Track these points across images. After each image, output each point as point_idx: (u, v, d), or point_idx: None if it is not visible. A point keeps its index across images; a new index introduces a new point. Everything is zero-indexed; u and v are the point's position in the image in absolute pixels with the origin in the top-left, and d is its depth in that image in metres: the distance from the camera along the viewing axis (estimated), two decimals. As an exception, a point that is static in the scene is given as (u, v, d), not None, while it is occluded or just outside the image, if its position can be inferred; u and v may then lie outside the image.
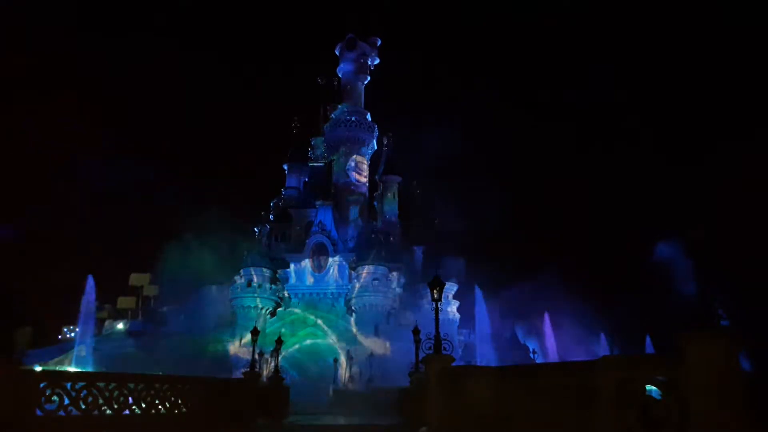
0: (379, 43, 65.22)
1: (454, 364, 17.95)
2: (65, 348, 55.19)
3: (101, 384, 16.14)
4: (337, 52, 64.74)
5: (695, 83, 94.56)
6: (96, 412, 15.70)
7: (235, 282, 55.00)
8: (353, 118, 61.60)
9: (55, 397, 14.94)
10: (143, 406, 17.13)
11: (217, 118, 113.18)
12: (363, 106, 64.14)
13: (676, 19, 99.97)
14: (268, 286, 54.66)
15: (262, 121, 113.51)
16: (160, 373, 21.23)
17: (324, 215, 56.58)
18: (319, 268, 54.70)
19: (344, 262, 54.37)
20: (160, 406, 17.67)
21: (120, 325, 61.83)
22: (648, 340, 55.43)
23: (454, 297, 56.02)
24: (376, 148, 64.18)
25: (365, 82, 65.08)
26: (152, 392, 17.51)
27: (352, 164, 61.05)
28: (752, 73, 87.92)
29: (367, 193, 62.95)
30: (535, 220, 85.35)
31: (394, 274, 53.63)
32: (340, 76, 65.37)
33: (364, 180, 62.18)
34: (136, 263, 69.11)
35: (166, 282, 65.67)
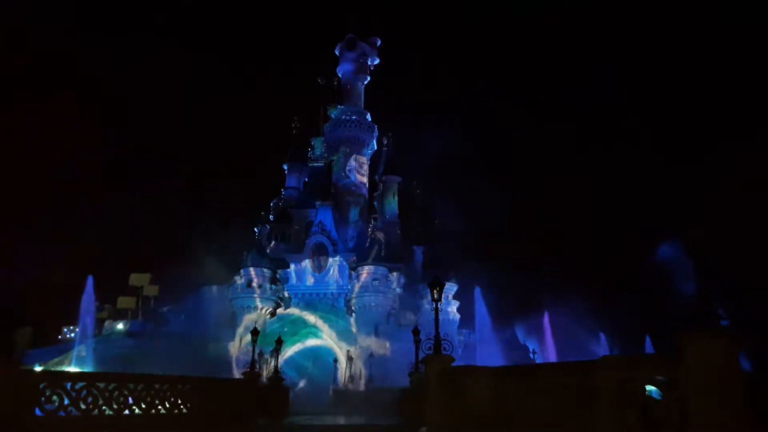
0: (379, 43, 65.23)
1: (454, 364, 17.96)
2: (65, 348, 55.20)
3: (101, 384, 16.14)
4: (337, 52, 64.75)
5: (695, 83, 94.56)
6: (96, 413, 15.70)
7: (235, 282, 54.98)
8: (353, 118, 61.61)
9: (55, 398, 14.94)
10: (143, 406, 17.13)
11: (217, 118, 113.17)
12: (363, 106, 64.14)
13: (676, 19, 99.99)
14: (268, 286, 54.65)
15: (262, 121, 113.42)
16: (160, 374, 21.18)
17: (324, 215, 56.58)
18: (319, 268, 54.69)
19: (344, 263, 54.37)
20: (160, 407, 17.68)
21: (120, 326, 61.75)
22: (648, 340, 55.44)
23: (454, 297, 56.02)
24: (376, 148, 64.18)
25: (365, 82, 65.09)
26: (152, 392, 17.51)
27: (352, 164, 61.05)
28: (752, 73, 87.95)
29: (367, 194, 62.93)
30: (535, 220, 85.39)
31: (394, 274, 53.63)
32: (340, 76, 65.37)
33: (364, 180, 62.19)
34: (136, 263, 69.13)
35: (166, 282, 65.75)
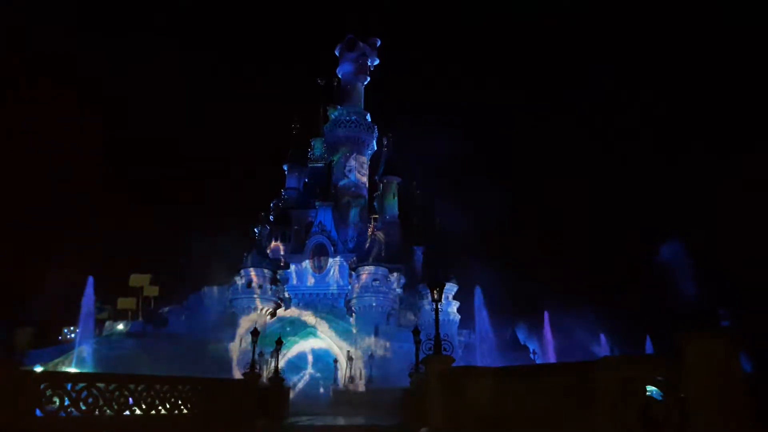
0: (378, 43, 65.22)
1: (454, 364, 17.96)
2: (65, 349, 55.23)
3: (101, 385, 16.14)
4: (336, 53, 64.76)
5: (695, 83, 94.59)
6: (96, 413, 15.70)
7: (235, 283, 54.96)
8: (353, 119, 61.61)
9: (55, 398, 14.94)
10: (143, 407, 17.14)
11: (217, 118, 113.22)
12: (363, 106, 64.15)
13: (676, 19, 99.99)
14: (268, 286, 54.64)
15: (262, 121, 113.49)
16: (161, 374, 21.18)
17: (324, 216, 56.58)
18: (319, 268, 54.70)
19: (344, 263, 54.38)
20: (160, 407, 17.68)
21: (120, 326, 61.75)
22: (648, 340, 55.47)
23: (455, 297, 56.03)
24: (376, 148, 64.19)
25: (365, 83, 65.10)
26: (152, 393, 17.52)
27: (352, 165, 61.05)
28: (752, 72, 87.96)
29: (367, 194, 62.92)
30: (536, 220, 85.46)
31: (394, 274, 53.62)
32: (339, 76, 65.37)
33: (364, 180, 62.19)
34: (136, 264, 69.16)
35: (167, 283, 65.75)
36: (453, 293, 55.55)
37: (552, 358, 55.54)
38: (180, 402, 18.51)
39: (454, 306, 55.95)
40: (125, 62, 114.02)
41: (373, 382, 44.29)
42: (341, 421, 29.58)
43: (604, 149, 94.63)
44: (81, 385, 15.69)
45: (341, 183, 60.44)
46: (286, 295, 55.10)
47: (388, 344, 49.79)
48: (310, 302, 53.37)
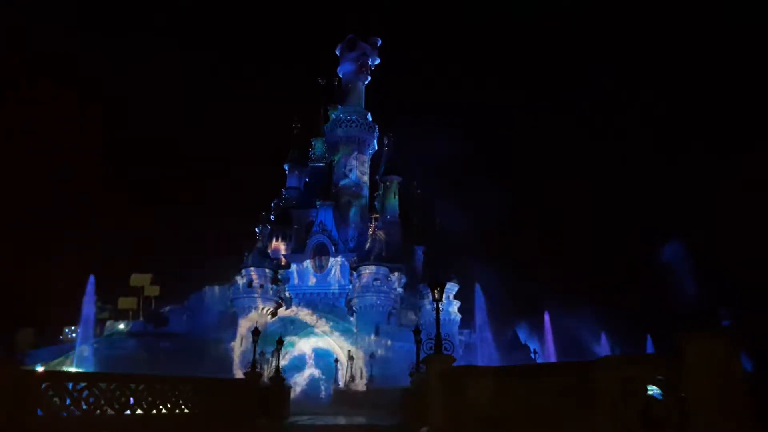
0: (379, 43, 65.16)
1: (455, 364, 17.98)
2: (66, 348, 55.34)
3: (102, 384, 16.16)
4: (337, 53, 64.73)
5: (695, 83, 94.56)
6: (97, 413, 15.72)
7: (235, 282, 54.94)
8: (354, 119, 61.56)
9: (56, 398, 14.96)
10: (144, 406, 17.16)
11: (217, 118, 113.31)
12: (363, 106, 64.10)
13: (676, 19, 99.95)
14: (269, 286, 54.63)
15: (262, 121, 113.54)
16: (162, 374, 21.19)
17: (325, 215, 56.56)
18: (320, 268, 54.68)
19: (345, 262, 54.36)
20: (161, 407, 17.70)
21: (121, 326, 61.88)
22: (649, 340, 55.50)
23: (455, 297, 56.06)
24: (376, 148, 64.15)
25: (366, 82, 65.05)
26: (153, 393, 17.54)
27: (353, 164, 61.02)
28: (752, 72, 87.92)
29: (368, 194, 62.87)
30: (536, 219, 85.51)
31: (395, 274, 53.61)
32: (340, 76, 65.31)
33: (364, 180, 62.15)
34: (136, 264, 69.29)
35: (167, 282, 65.83)
36: (454, 293, 55.59)
37: (553, 358, 55.59)
38: (181, 402, 18.53)
39: (455, 306, 55.99)
40: (125, 62, 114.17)
41: (374, 382, 44.30)
42: (342, 420, 29.59)
43: (604, 149, 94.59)
44: (82, 384, 15.71)
45: (342, 182, 60.41)
46: (287, 294, 55.09)
47: (388, 344, 49.82)
48: (310, 302, 53.36)
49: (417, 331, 30.49)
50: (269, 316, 53.72)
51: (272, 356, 40.19)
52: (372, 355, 47.22)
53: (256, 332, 33.00)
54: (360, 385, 45.63)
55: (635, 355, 31.15)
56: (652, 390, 10.88)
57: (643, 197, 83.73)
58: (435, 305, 20.63)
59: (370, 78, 65.00)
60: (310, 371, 49.94)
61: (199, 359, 51.25)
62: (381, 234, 55.02)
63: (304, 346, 50.97)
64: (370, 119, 62.90)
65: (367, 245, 53.98)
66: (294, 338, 50.46)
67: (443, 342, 18.41)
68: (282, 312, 53.61)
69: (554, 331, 58.16)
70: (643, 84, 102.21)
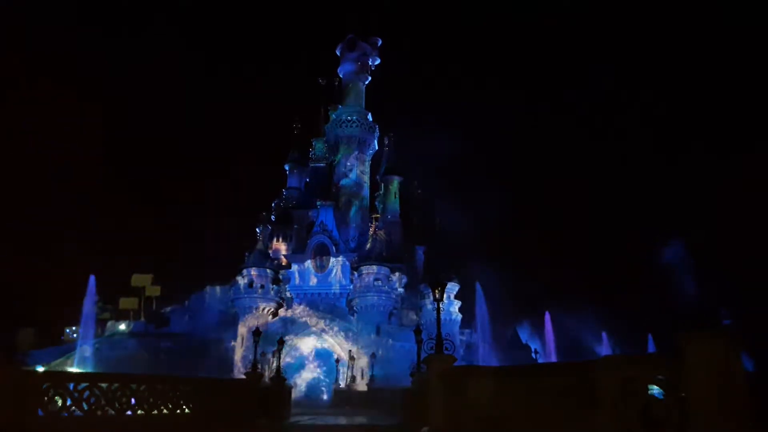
0: (379, 43, 65.16)
1: (455, 364, 17.99)
2: (67, 349, 55.37)
3: (104, 385, 16.17)
4: (337, 53, 64.75)
5: (695, 83, 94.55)
6: (99, 413, 15.73)
7: (236, 282, 54.96)
8: (354, 118, 61.56)
9: (57, 398, 14.97)
10: (145, 406, 17.17)
11: (217, 118, 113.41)
12: (364, 106, 64.10)
13: (676, 19, 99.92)
14: (269, 286, 54.66)
15: (262, 122, 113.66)
16: (163, 374, 21.20)
17: (325, 215, 56.55)
18: (321, 268, 54.67)
19: (346, 262, 54.36)
20: (162, 407, 17.71)
21: (122, 326, 61.95)
22: (650, 339, 55.51)
23: (456, 297, 56.09)
24: (377, 148, 64.16)
25: (366, 82, 65.06)
26: (154, 393, 17.54)
27: (353, 164, 61.00)
28: (752, 73, 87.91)
29: (369, 194, 62.89)
30: (537, 219, 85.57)
31: (396, 274, 53.61)
32: (340, 76, 65.32)
33: (365, 180, 62.17)
34: (137, 264, 69.32)
35: (168, 283, 65.85)
36: (454, 293, 55.65)
37: (553, 358, 55.61)
38: (182, 402, 18.54)
39: (456, 305, 56.04)
40: (125, 62, 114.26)
41: (375, 382, 44.31)
42: (343, 420, 29.59)
43: (604, 149, 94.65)
44: (83, 385, 15.72)
45: (342, 182, 60.42)
46: (288, 294, 55.11)
47: (389, 343, 49.84)
48: (311, 302, 53.36)
49: (418, 331, 30.51)
50: (270, 317, 53.76)
51: (273, 356, 40.25)
52: (373, 355, 47.23)
53: (256, 332, 33.01)
54: (361, 385, 45.64)
55: (635, 354, 31.15)
56: (653, 390, 10.89)
57: (643, 197, 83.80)
58: (436, 305, 20.63)
59: (370, 78, 65.01)
60: (311, 371, 50.01)
61: (200, 359, 51.35)
62: (382, 234, 55.05)
63: (305, 346, 51.01)
64: (371, 119, 62.91)
65: (368, 245, 54.00)
66: (295, 338, 50.48)
67: (444, 342, 18.41)
68: (283, 312, 53.66)
69: (555, 331, 58.18)
70: (643, 84, 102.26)
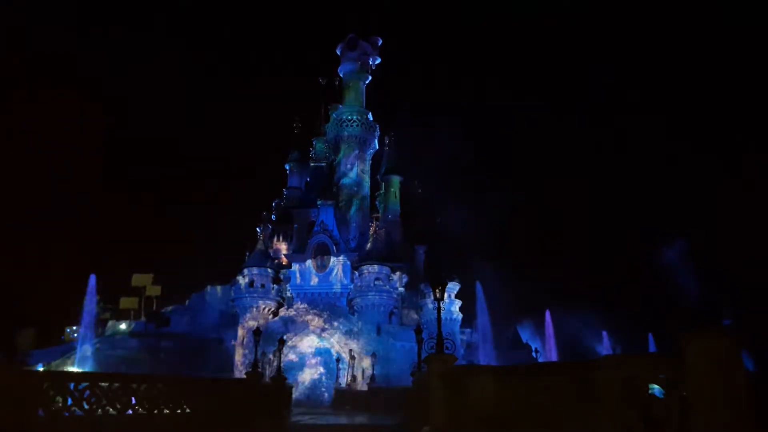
0: (380, 42, 65.16)
1: (456, 363, 17.99)
2: (68, 349, 55.42)
3: (104, 384, 16.16)
4: (338, 52, 64.74)
5: (696, 83, 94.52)
6: (99, 413, 15.73)
7: (237, 282, 54.97)
8: (354, 118, 61.55)
9: (58, 398, 14.96)
10: (146, 406, 17.16)
11: (217, 118, 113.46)
12: (364, 105, 64.11)
13: (676, 19, 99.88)
14: (270, 286, 54.65)
15: (263, 121, 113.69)
16: (163, 374, 21.21)
17: (326, 215, 56.53)
18: (322, 267, 54.64)
19: (347, 262, 54.34)
20: (162, 407, 17.70)
21: (123, 326, 62.00)
22: (651, 339, 55.55)
23: (456, 296, 56.09)
24: (377, 147, 64.15)
25: (366, 82, 65.05)
26: (155, 393, 17.53)
27: (354, 164, 60.99)
28: (753, 73, 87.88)
29: (369, 193, 62.90)
30: (537, 219, 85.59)
31: (397, 273, 53.62)
32: (341, 75, 65.33)
33: (365, 180, 62.16)
34: (137, 264, 69.37)
35: (168, 282, 65.85)
36: (455, 292, 55.64)
37: (554, 357, 55.65)
38: (182, 401, 18.53)
39: (456, 305, 56.04)
40: (125, 62, 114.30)
41: (376, 381, 44.30)
42: (343, 420, 29.60)
43: (604, 149, 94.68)
44: (83, 384, 15.70)
45: (343, 182, 60.42)
46: (289, 294, 55.10)
47: (390, 343, 49.85)
48: (312, 301, 53.34)
49: (418, 331, 30.51)
50: (271, 316, 53.77)
51: (274, 356, 40.29)
52: (374, 355, 47.23)
53: (257, 332, 33.01)
54: (362, 384, 45.63)
55: (636, 354, 31.16)
56: (653, 389, 10.89)
57: (643, 197, 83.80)
58: (436, 304, 20.62)
59: (370, 77, 65.00)
60: (312, 371, 50.01)
61: (200, 359, 51.39)
62: (382, 233, 55.06)
63: (306, 346, 51.01)
64: (371, 119, 62.90)
65: (369, 245, 54.01)
66: (295, 338, 50.50)
67: (444, 341, 18.40)
68: (283, 312, 53.65)
69: (555, 331, 58.24)
70: (643, 84, 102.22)
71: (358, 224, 58.92)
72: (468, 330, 58.57)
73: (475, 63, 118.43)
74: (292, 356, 49.68)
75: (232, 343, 53.25)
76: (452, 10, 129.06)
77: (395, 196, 63.51)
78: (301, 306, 52.77)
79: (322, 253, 55.04)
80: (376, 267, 52.24)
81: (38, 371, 18.59)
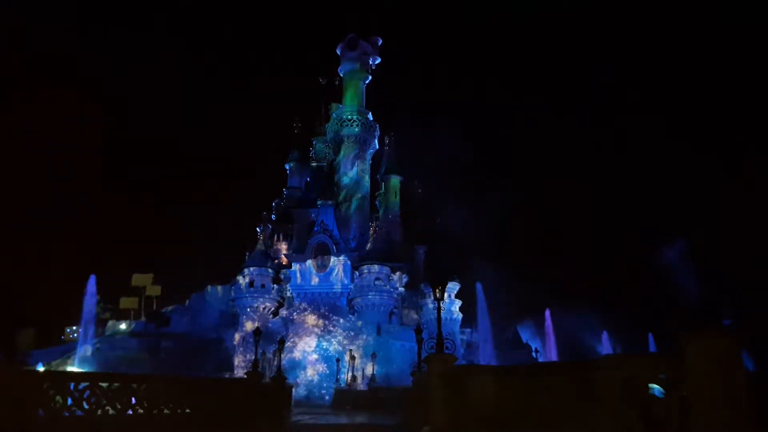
0: (380, 42, 65.14)
1: (456, 363, 17.98)
2: (68, 348, 55.43)
3: (104, 384, 16.16)
4: (338, 52, 64.72)
5: (696, 83, 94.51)
6: (99, 413, 15.73)
7: (237, 282, 54.97)
8: (355, 118, 61.54)
9: (58, 398, 14.96)
10: (146, 406, 17.16)
11: (217, 118, 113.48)
12: (364, 105, 64.09)
13: (676, 19, 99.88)
14: (270, 286, 54.65)
15: (263, 121, 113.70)
16: (163, 374, 21.21)
17: (326, 215, 56.50)
18: (322, 267, 54.61)
19: (347, 262, 54.32)
20: (162, 407, 17.70)
21: (123, 326, 61.98)
22: (651, 339, 55.54)
23: (456, 296, 56.08)
24: (377, 147, 64.14)
25: (366, 82, 65.04)
26: (155, 393, 17.54)
27: (354, 164, 60.99)
28: (753, 73, 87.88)
29: (369, 193, 62.90)
30: (537, 219, 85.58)
31: (397, 273, 53.60)
32: (341, 75, 65.32)
33: (365, 179, 62.15)
34: (137, 264, 69.38)
35: (169, 282, 65.84)
36: (455, 292, 55.62)
37: (554, 357, 55.65)
38: (182, 401, 18.54)
39: (456, 305, 56.02)
40: (125, 62, 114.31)
41: (376, 381, 44.31)
42: (343, 419, 29.60)
43: (605, 149, 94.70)
44: (84, 384, 15.70)
45: (343, 182, 60.43)
46: (289, 294, 55.08)
47: (390, 343, 49.84)
48: (312, 301, 53.33)
49: (418, 330, 30.52)
50: (271, 316, 53.79)
51: (274, 356, 40.28)
52: (374, 355, 47.22)
53: (257, 332, 33.02)
54: (362, 384, 45.62)
55: (636, 354, 31.14)
56: (653, 389, 10.88)
57: (643, 197, 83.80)
58: (437, 304, 20.62)
59: (370, 77, 64.99)
60: (312, 371, 49.98)
61: (200, 359, 51.37)
62: (382, 233, 55.05)
63: (306, 345, 50.99)
64: (371, 118, 62.90)
65: (369, 244, 54.02)
66: (295, 338, 50.50)
67: (445, 341, 18.40)
68: (283, 312, 53.66)
69: (555, 331, 58.23)
70: (643, 84, 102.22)
71: (358, 224, 58.92)
72: (468, 330, 58.53)
73: (475, 63, 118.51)
74: (292, 356, 49.66)
75: (232, 343, 53.20)
76: (452, 10, 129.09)
77: (395, 196, 63.50)
78: (301, 306, 52.76)
79: (322, 253, 55.00)
80: (376, 267, 52.22)
81: (38, 371, 18.58)
